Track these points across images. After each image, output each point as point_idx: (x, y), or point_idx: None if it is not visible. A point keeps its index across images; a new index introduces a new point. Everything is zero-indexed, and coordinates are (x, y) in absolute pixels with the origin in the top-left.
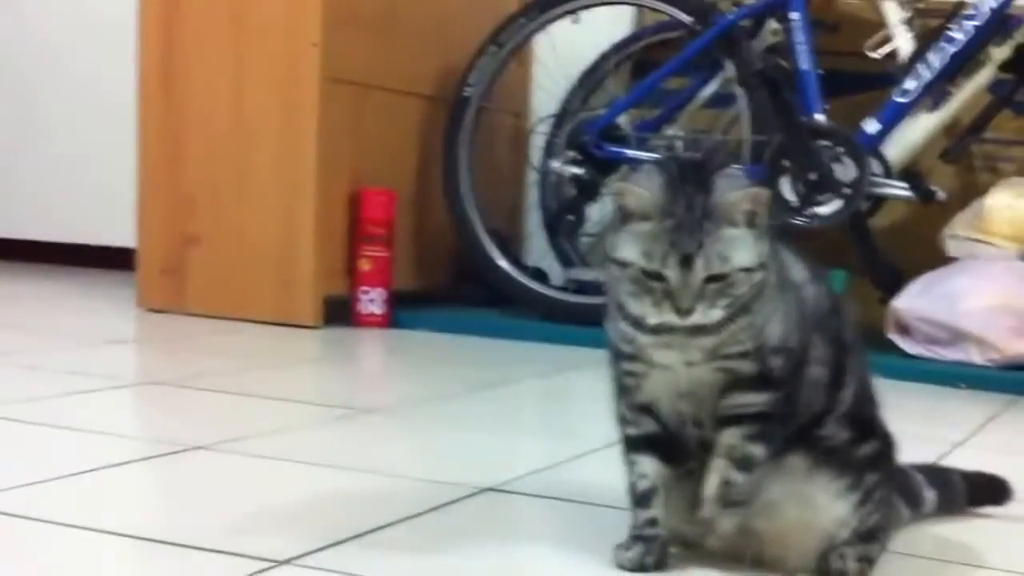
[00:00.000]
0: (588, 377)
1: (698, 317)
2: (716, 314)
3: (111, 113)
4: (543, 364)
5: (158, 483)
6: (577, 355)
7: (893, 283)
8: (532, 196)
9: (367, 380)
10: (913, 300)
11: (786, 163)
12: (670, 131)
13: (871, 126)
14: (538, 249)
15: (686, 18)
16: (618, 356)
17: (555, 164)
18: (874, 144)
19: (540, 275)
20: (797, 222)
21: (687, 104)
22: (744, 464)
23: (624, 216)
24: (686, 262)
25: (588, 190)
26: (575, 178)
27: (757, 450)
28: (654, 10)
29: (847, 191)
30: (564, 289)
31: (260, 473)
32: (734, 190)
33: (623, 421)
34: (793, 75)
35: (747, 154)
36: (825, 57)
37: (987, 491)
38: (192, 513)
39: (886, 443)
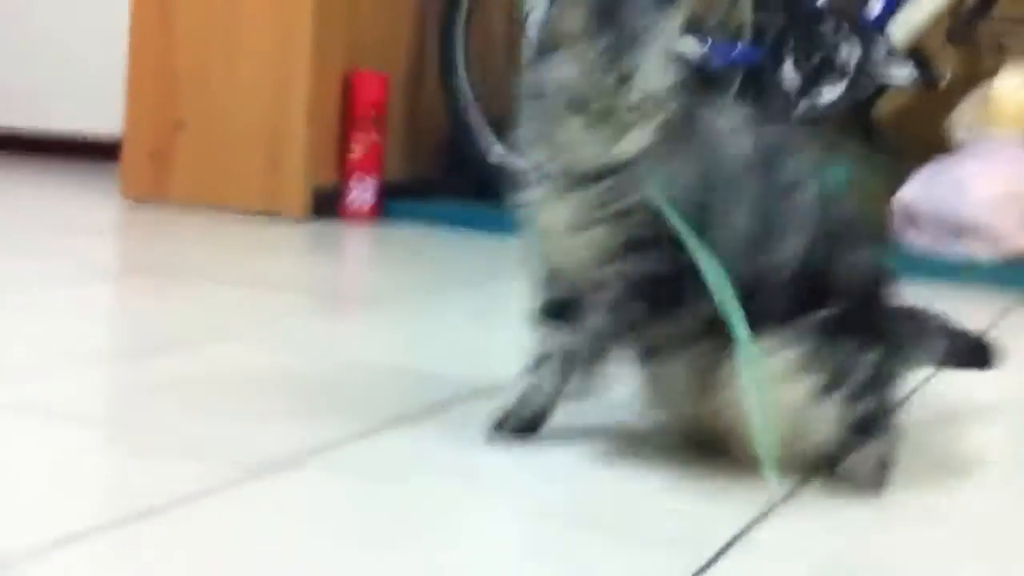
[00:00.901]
0: None
1: None
2: None
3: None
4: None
5: (137, 380)
6: None
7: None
8: None
9: (353, 272)
10: (919, 190)
11: (788, 47)
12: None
13: (875, 6)
14: None
15: None
16: None
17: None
18: (879, 26)
19: None
20: (800, 107)
21: None
22: None
23: None
24: None
25: None
26: None
27: None
28: None
29: (852, 74)
30: None
31: (243, 367)
32: None
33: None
34: None
35: (748, 35)
36: None
37: (969, 354)
38: (169, 417)
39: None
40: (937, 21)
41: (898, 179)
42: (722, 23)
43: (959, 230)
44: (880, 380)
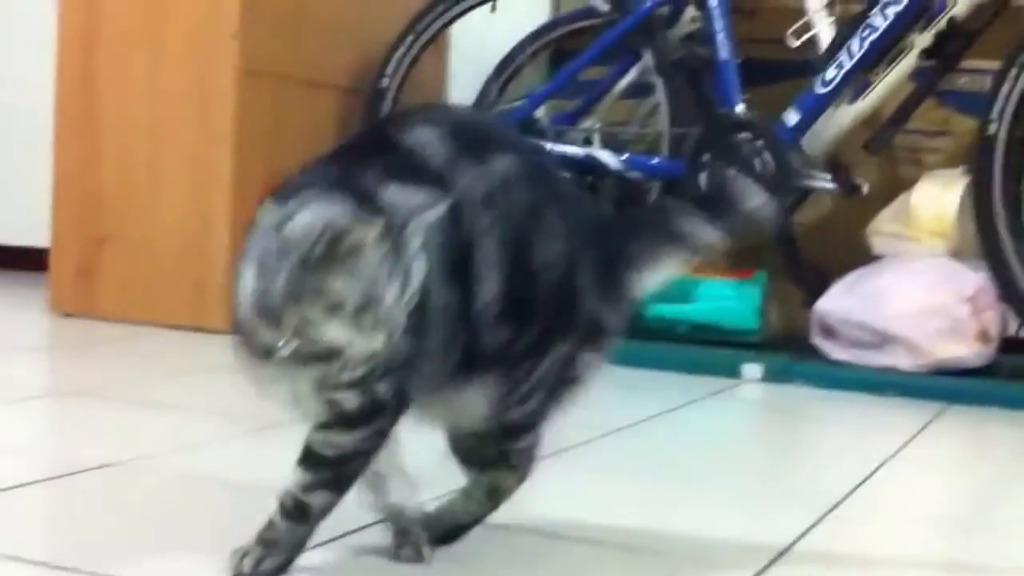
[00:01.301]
0: None
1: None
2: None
3: (24, 112)
4: None
5: (58, 503)
6: None
7: (817, 284)
8: None
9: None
10: (837, 301)
11: (705, 157)
12: (588, 123)
13: (791, 117)
14: None
15: (603, 5)
16: None
17: None
18: (795, 136)
19: None
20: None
21: (605, 95)
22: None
23: None
24: None
25: None
26: None
27: None
28: None
29: (768, 186)
30: None
31: (169, 492)
32: None
33: None
34: (712, 64)
35: (666, 147)
36: (745, 45)
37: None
38: (95, 535)
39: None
40: (854, 132)
41: (817, 289)
42: (639, 135)
43: (879, 341)
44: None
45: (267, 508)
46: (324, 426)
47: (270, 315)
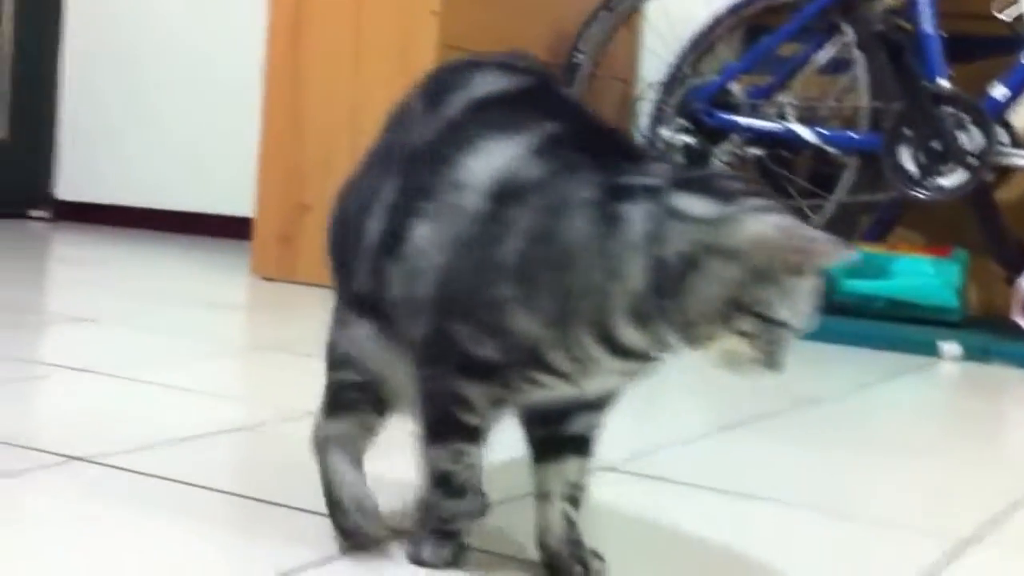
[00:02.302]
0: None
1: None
2: None
3: (233, 88)
4: None
5: (265, 448)
6: None
7: (1019, 261)
8: None
9: None
10: None
11: (907, 131)
12: (783, 98)
13: (998, 91)
14: None
15: None
16: (530, 362)
17: (664, 132)
18: (1001, 111)
19: None
20: (917, 194)
21: (802, 69)
22: (579, 504)
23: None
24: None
25: (697, 158)
26: (684, 146)
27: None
28: None
29: (972, 161)
30: None
31: None
32: None
33: (464, 407)
34: (915, 38)
35: (865, 121)
36: (949, 20)
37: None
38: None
39: None
40: None
41: (1019, 266)
42: (835, 110)
43: None
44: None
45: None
46: None
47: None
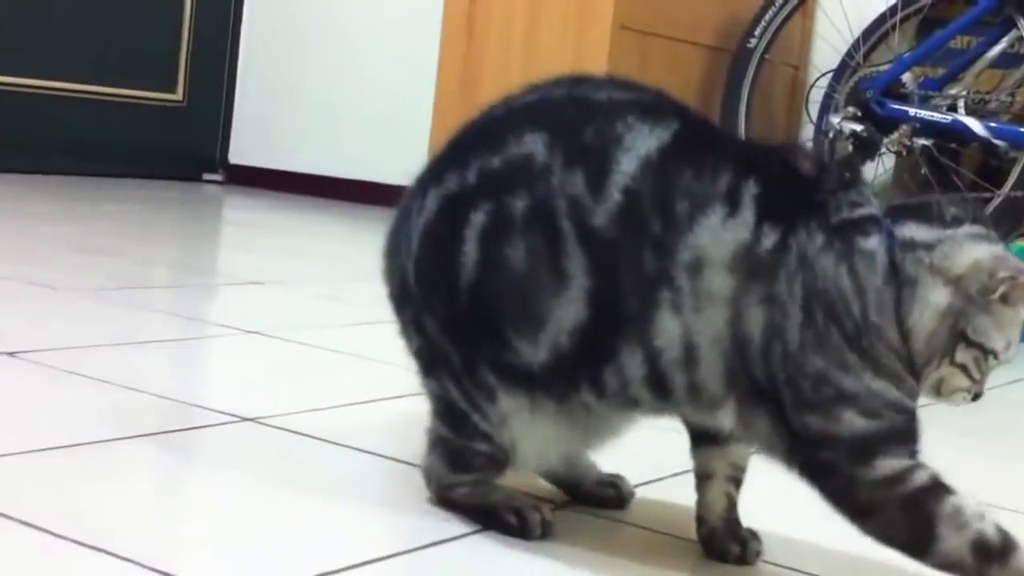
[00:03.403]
0: None
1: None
2: None
3: (409, 59)
4: None
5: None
6: None
7: None
8: None
9: None
10: None
11: None
12: (954, 90)
13: None
14: None
15: None
16: (903, 410)
17: (834, 120)
18: None
19: None
20: None
21: (974, 63)
22: (740, 485)
23: (999, 299)
24: None
25: (866, 148)
26: (854, 135)
27: None
28: None
29: None
30: None
31: None
32: None
33: (901, 480)
34: None
35: None
36: None
37: None
38: None
39: None
40: None
41: None
42: (1007, 104)
43: None
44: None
45: None
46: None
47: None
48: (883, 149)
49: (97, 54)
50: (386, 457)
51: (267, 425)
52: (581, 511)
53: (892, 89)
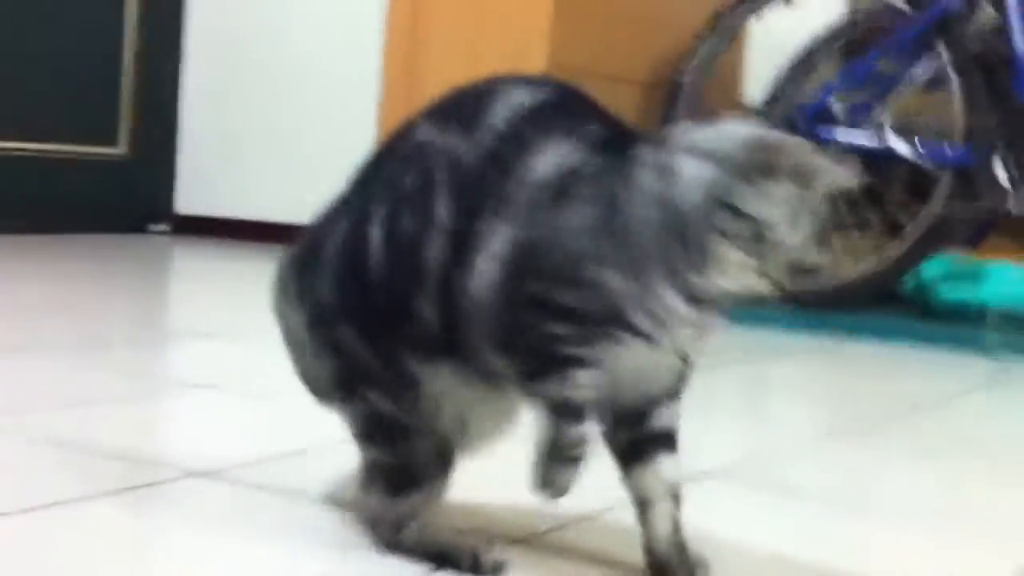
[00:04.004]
0: (795, 363)
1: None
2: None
3: (352, 104)
4: (750, 350)
5: None
6: (785, 340)
7: None
8: None
9: None
10: None
11: (1000, 146)
12: (880, 114)
13: None
14: None
15: (901, 3)
16: (610, 319)
17: None
18: None
19: None
20: (1010, 207)
21: (899, 87)
22: (680, 502)
23: (768, 171)
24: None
25: None
26: None
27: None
28: None
29: None
30: None
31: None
32: None
33: (560, 341)
34: (1008, 57)
35: (959, 135)
36: None
37: None
38: None
39: None
40: None
41: None
42: (932, 123)
43: None
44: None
45: None
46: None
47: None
48: None
49: (39, 112)
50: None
51: (220, 479)
52: (540, 547)
53: (821, 115)
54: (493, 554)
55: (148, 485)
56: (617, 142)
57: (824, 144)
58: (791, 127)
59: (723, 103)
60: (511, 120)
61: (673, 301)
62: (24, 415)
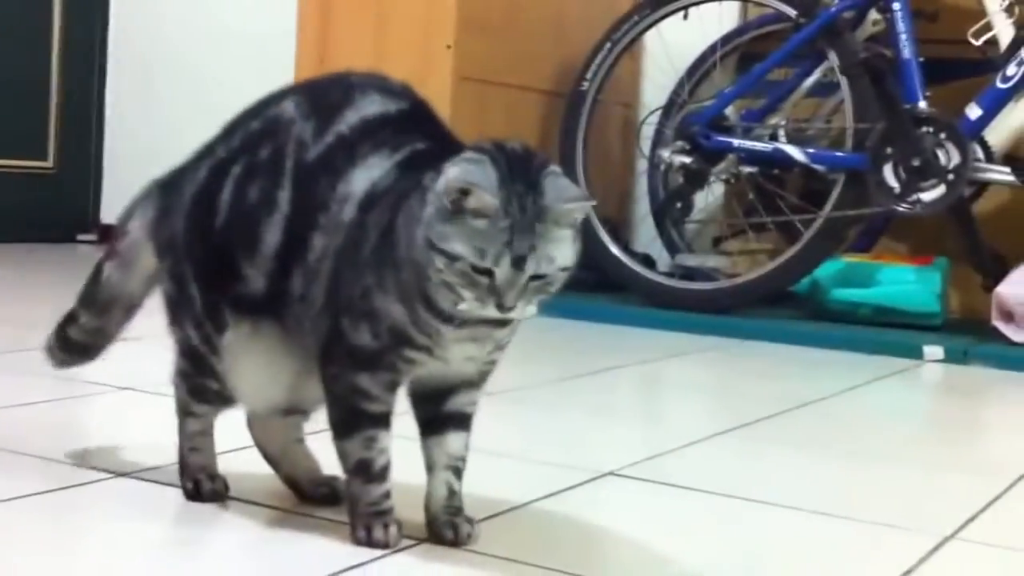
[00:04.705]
0: (691, 364)
1: (517, 313)
2: (532, 310)
3: None
4: (649, 351)
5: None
6: (683, 342)
7: (996, 270)
8: (641, 184)
9: None
10: (1017, 286)
11: (889, 150)
12: (774, 120)
13: (973, 112)
14: (646, 236)
15: (791, 11)
16: (398, 341)
17: (664, 154)
18: (976, 130)
19: (648, 261)
20: (900, 208)
21: (791, 94)
22: (462, 475)
23: (457, 210)
24: (518, 263)
25: (696, 179)
26: (684, 167)
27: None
28: (759, 4)
29: (950, 177)
30: (671, 275)
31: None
32: (565, 195)
33: (364, 397)
34: (895, 64)
35: (850, 141)
36: (926, 46)
37: None
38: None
39: None
40: None
41: (997, 275)
42: (823, 131)
43: None
44: None
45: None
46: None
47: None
48: (712, 179)
49: None
50: (263, 505)
51: (145, 480)
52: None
53: (717, 122)
54: (215, 485)
55: (73, 487)
56: (425, 160)
57: (721, 151)
58: (688, 133)
59: (623, 109)
60: (355, 128)
61: (434, 323)
62: None
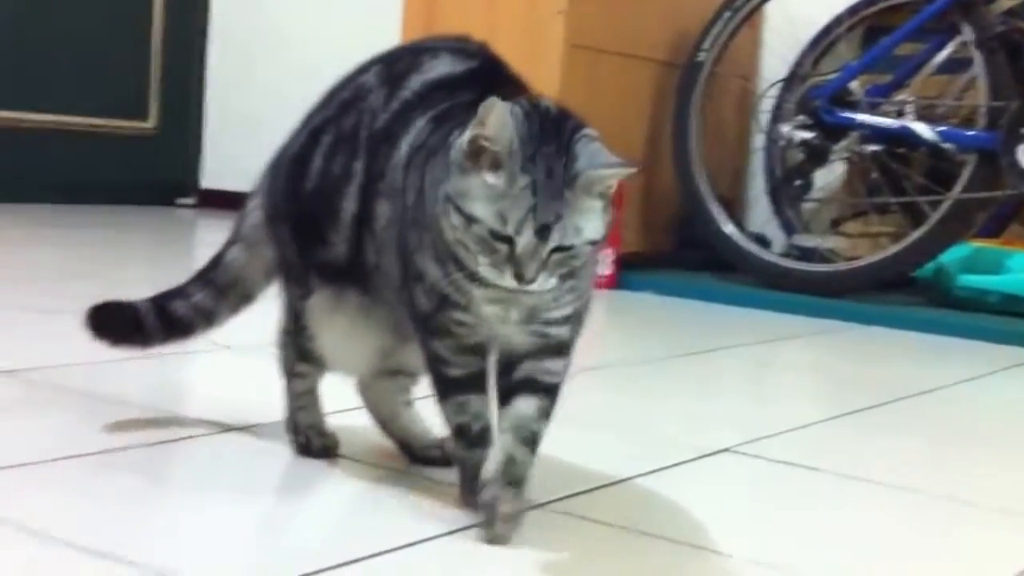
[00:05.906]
0: (804, 347)
1: (536, 286)
2: (553, 282)
3: None
4: (761, 332)
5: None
6: (796, 324)
7: None
8: (756, 161)
9: (589, 339)
10: None
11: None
12: (901, 96)
13: None
14: (760, 215)
15: None
16: (441, 303)
17: (784, 129)
18: None
19: (762, 241)
20: None
21: (920, 69)
22: (531, 442)
23: (474, 163)
24: (542, 232)
25: (816, 155)
26: (804, 143)
27: (544, 429)
28: None
29: None
30: (786, 256)
31: None
32: (598, 160)
33: (442, 362)
34: None
35: (983, 120)
36: None
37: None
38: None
39: None
40: None
41: None
42: (954, 108)
43: None
44: None
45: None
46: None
47: None
48: (833, 156)
49: (73, 88)
50: (379, 466)
51: (250, 435)
52: (554, 511)
53: (840, 97)
54: (326, 441)
55: (174, 440)
56: (461, 112)
57: (844, 127)
58: (809, 108)
59: (740, 82)
60: (416, 92)
61: (464, 283)
62: (60, 369)
